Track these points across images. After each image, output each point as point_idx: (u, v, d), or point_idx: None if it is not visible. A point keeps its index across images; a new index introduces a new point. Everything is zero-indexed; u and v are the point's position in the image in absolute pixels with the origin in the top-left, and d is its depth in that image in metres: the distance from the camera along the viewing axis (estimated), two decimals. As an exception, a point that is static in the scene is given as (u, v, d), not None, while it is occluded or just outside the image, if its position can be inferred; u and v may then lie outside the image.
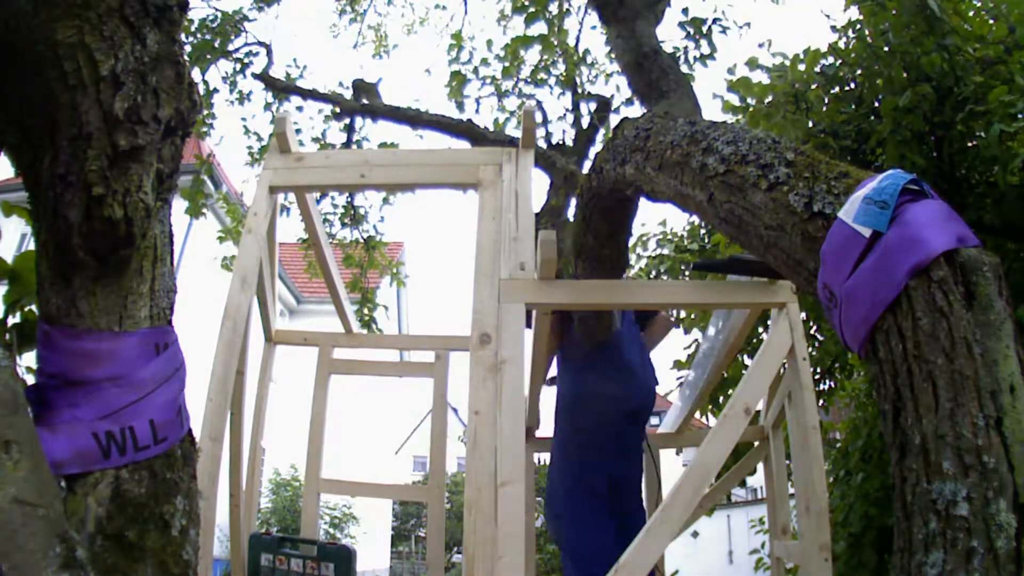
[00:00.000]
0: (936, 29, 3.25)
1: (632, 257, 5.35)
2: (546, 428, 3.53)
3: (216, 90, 7.13)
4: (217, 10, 7.12)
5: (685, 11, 5.52)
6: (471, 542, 2.12)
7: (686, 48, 5.53)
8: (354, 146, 7.02)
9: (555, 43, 6.25)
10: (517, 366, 2.35)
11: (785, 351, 2.56)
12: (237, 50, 7.20)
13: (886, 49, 3.48)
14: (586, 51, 6.65)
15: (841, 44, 3.88)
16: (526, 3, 5.81)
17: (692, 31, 5.45)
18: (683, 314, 4.98)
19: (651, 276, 5.41)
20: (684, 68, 5.44)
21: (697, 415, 4.10)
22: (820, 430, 2.66)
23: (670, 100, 3.11)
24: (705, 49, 5.50)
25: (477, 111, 6.65)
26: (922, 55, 3.29)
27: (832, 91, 3.84)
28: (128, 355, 1.06)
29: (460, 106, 6.52)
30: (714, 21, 5.49)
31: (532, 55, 6.47)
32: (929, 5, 3.14)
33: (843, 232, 1.28)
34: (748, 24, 5.77)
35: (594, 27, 6.41)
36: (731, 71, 4.32)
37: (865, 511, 3.83)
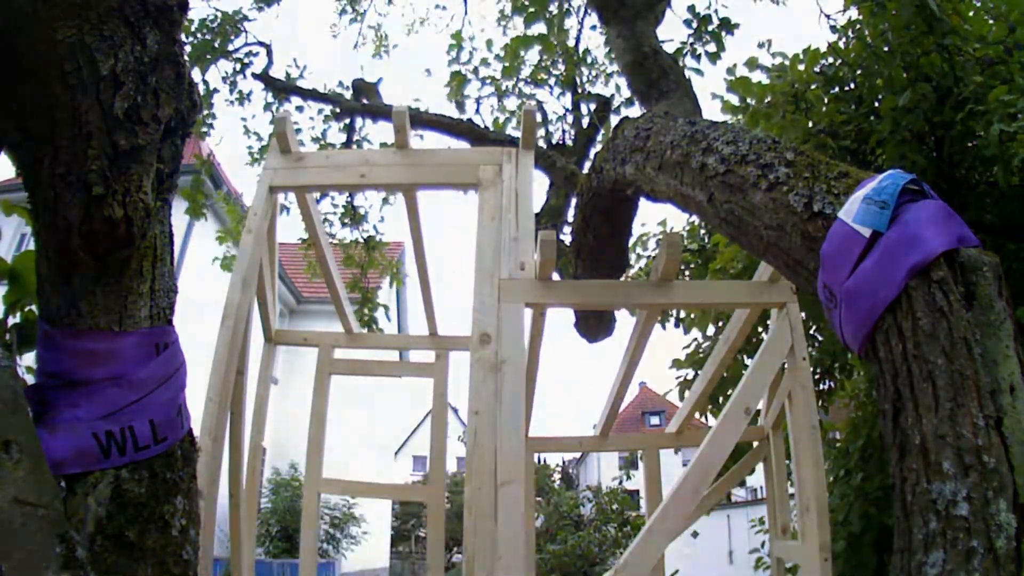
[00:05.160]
0: (936, 29, 3.25)
1: (632, 257, 5.35)
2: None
3: (216, 90, 7.12)
4: (217, 10, 7.12)
5: (691, 8, 5.50)
6: (471, 542, 2.12)
7: (693, 45, 5.51)
8: (354, 146, 7.01)
9: (555, 43, 6.24)
10: (517, 366, 2.35)
11: (785, 351, 2.57)
12: (237, 50, 7.20)
13: (886, 49, 3.48)
14: (586, 51, 6.64)
15: (841, 44, 3.89)
16: (526, 3, 5.81)
17: (698, 27, 5.42)
18: (683, 314, 4.98)
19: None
20: (692, 63, 5.42)
21: (697, 415, 4.10)
22: (820, 430, 2.66)
23: (670, 100, 3.10)
24: (712, 47, 5.48)
25: (477, 111, 6.64)
26: (922, 55, 3.29)
27: (832, 91, 3.84)
28: (128, 355, 1.06)
29: (460, 106, 6.52)
30: (721, 22, 5.46)
31: (532, 55, 6.46)
32: (929, 5, 3.14)
33: (843, 232, 1.28)
34: (738, 25, 5.74)
35: (594, 27, 6.40)
36: (731, 71, 4.32)
37: (865, 511, 3.83)
